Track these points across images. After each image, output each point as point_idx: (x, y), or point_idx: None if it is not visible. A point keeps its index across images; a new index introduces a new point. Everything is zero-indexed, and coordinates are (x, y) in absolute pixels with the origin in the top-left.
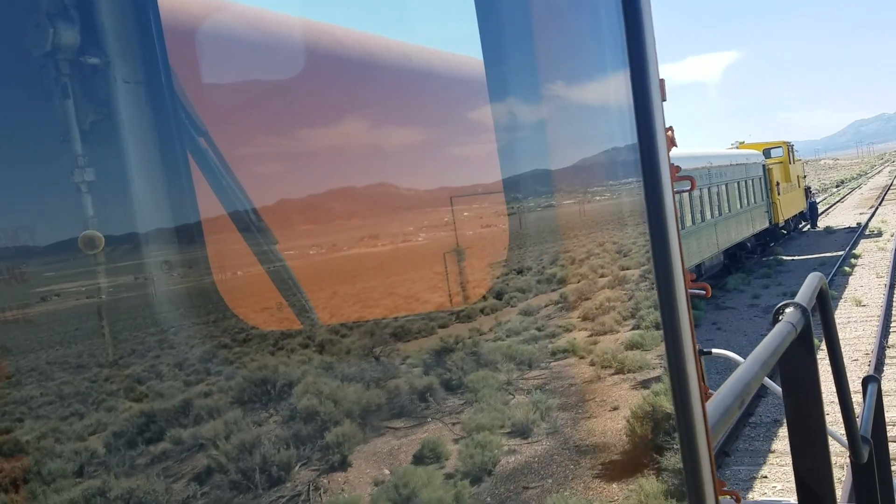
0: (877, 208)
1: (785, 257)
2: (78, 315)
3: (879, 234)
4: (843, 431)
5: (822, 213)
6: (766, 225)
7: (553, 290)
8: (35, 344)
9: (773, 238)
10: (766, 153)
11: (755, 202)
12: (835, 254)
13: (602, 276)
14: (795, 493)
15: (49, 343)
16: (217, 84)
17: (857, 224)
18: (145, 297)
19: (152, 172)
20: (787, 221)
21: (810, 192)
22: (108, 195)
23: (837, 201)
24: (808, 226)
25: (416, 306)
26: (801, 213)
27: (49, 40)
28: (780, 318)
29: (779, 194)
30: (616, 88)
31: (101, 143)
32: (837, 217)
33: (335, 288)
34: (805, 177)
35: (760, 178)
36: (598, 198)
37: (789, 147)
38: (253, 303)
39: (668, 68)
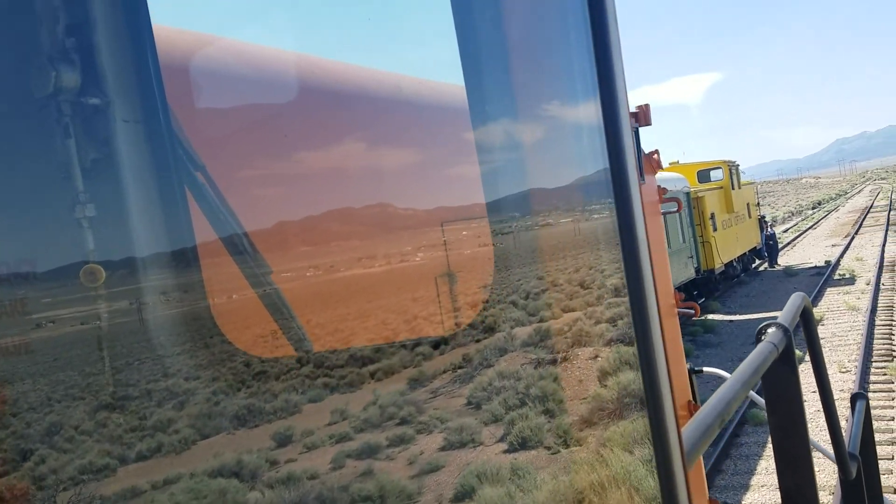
0: (852, 238)
1: (720, 317)
2: (82, 349)
3: (851, 280)
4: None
5: (790, 242)
6: (691, 275)
7: (530, 318)
8: (37, 371)
9: (706, 291)
10: (703, 176)
11: (670, 246)
12: None
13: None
14: None
15: (51, 371)
16: (214, 120)
17: (826, 262)
18: (146, 333)
19: (152, 208)
20: (729, 265)
21: (765, 222)
22: (109, 230)
23: (809, 227)
24: (766, 265)
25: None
26: (755, 249)
27: (51, 83)
28: (763, 337)
29: (715, 230)
30: (587, 115)
31: (101, 180)
32: (805, 250)
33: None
34: (759, 204)
35: (680, 213)
36: (572, 221)
37: (731, 168)
38: (263, 332)
39: (652, 90)
